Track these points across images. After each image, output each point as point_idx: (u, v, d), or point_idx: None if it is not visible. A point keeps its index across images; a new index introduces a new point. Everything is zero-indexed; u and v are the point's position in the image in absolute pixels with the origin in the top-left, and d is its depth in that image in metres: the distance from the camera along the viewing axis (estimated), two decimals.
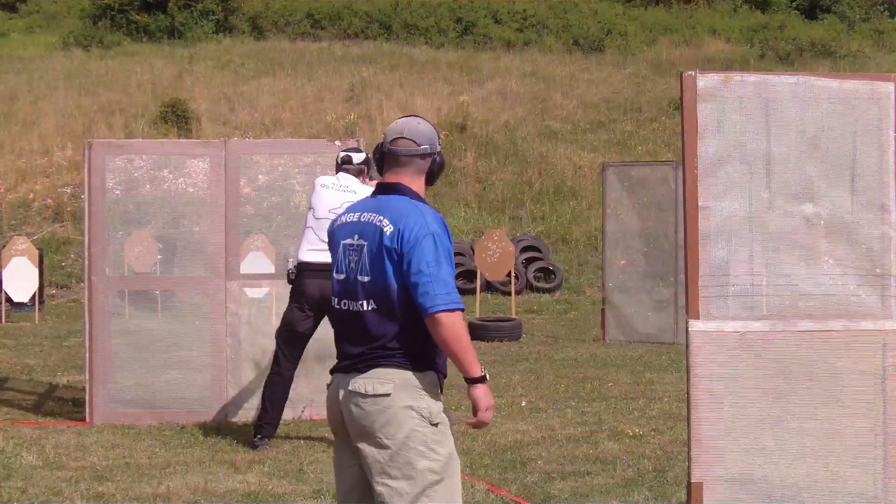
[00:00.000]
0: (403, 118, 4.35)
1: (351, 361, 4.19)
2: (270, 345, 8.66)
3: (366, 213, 4.23)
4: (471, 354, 4.09)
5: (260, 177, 10.46)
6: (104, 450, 8.24)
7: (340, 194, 8.20)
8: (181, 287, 9.93)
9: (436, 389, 4.19)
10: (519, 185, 25.13)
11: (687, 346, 5.06)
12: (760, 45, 33.65)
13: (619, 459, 7.80)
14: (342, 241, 4.26)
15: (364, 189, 8.21)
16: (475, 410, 4.13)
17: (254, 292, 9.72)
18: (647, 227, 15.32)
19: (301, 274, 8.21)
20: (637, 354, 13.48)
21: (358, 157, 8.41)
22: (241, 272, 9.36)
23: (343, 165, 8.40)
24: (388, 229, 4.11)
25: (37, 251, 18.23)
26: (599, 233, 18.66)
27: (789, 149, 5.12)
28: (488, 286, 20.92)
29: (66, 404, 10.14)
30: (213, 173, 9.42)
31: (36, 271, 17.66)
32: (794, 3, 39.43)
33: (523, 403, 10.00)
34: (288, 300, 8.38)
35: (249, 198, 10.07)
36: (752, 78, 5.19)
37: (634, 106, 28.83)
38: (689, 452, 5.07)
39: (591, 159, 25.77)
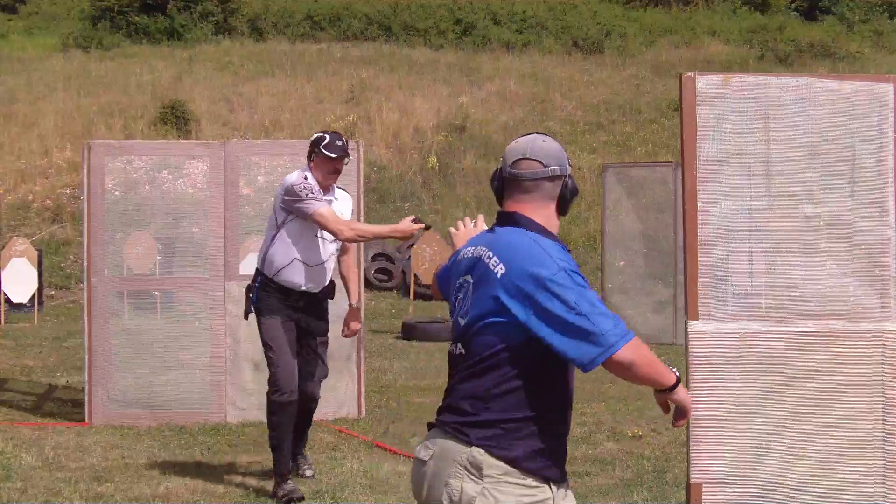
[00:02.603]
0: (524, 137, 3.60)
1: (439, 411, 3.56)
2: None
3: (479, 248, 3.53)
4: (662, 370, 3.61)
5: (259, 178, 10.45)
6: (103, 450, 8.24)
7: None
8: (180, 288, 9.93)
9: (508, 486, 3.35)
10: None
11: (686, 347, 5.06)
12: (760, 46, 33.66)
13: (618, 460, 7.80)
14: (457, 280, 3.61)
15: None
16: (685, 411, 3.68)
17: None
18: (646, 229, 15.32)
19: None
20: None
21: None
22: (241, 273, 9.36)
23: None
24: (500, 271, 3.40)
25: (36, 252, 18.22)
26: (599, 234, 18.65)
27: (789, 150, 5.12)
28: None
29: (66, 405, 10.14)
30: (213, 174, 9.43)
31: (35, 272, 17.64)
32: (793, 5, 39.48)
33: None
34: None
35: (249, 199, 10.06)
36: (751, 79, 5.19)
37: (634, 107, 28.83)
38: (688, 453, 5.07)
39: (590, 160, 25.75)
